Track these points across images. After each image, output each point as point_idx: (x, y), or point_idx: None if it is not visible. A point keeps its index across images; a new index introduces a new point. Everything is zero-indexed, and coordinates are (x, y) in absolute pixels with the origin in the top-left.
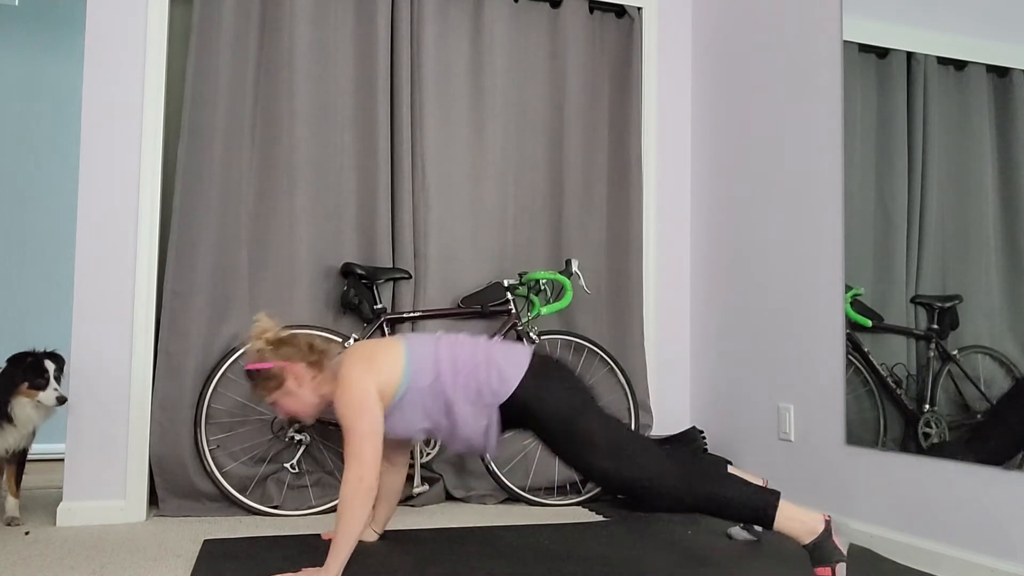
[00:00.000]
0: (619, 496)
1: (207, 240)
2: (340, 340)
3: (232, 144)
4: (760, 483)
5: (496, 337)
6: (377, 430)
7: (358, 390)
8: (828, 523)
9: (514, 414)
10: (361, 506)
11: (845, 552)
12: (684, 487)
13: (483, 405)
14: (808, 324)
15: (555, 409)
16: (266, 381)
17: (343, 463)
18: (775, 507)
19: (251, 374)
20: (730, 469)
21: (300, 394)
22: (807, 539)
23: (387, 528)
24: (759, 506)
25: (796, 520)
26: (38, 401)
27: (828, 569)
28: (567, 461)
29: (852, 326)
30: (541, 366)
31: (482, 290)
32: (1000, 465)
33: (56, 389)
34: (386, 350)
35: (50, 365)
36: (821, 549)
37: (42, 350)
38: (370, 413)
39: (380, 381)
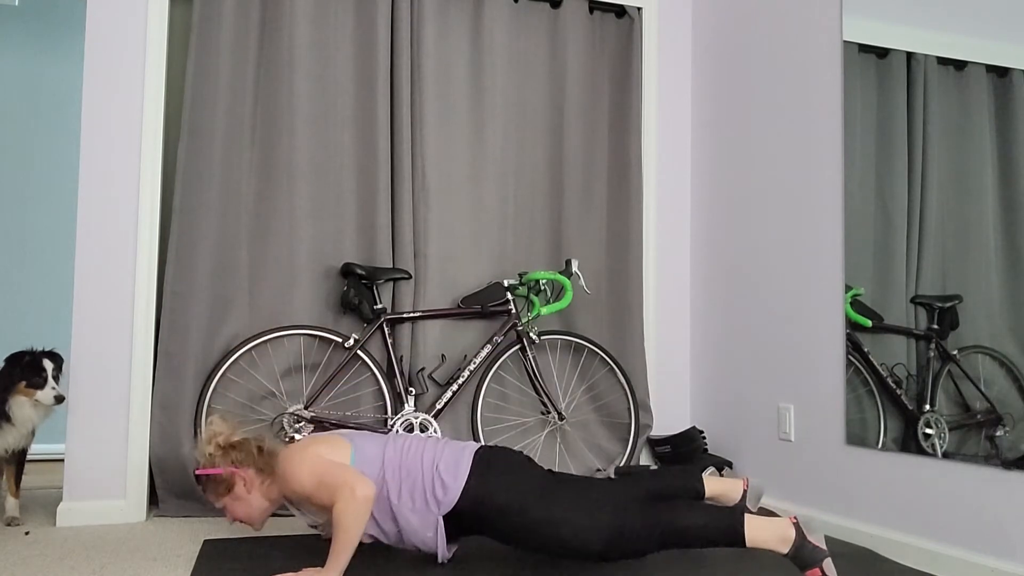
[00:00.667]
0: (600, 560)
1: (207, 240)
2: (341, 340)
3: (232, 144)
4: (741, 485)
5: (495, 338)
6: (346, 469)
7: (302, 457)
8: (797, 525)
9: (465, 518)
10: (355, 515)
11: (824, 546)
12: (652, 529)
13: (429, 514)
14: (808, 324)
15: (505, 500)
16: (216, 486)
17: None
18: (742, 523)
19: (200, 479)
20: (709, 476)
21: (249, 500)
22: (784, 548)
23: None
24: (726, 526)
25: (766, 530)
26: (36, 400)
27: (816, 570)
28: (538, 550)
29: (852, 326)
30: (484, 462)
31: (482, 290)
32: (1000, 466)
33: (54, 388)
34: (332, 446)
35: (48, 364)
36: (802, 553)
37: (40, 349)
38: (324, 459)
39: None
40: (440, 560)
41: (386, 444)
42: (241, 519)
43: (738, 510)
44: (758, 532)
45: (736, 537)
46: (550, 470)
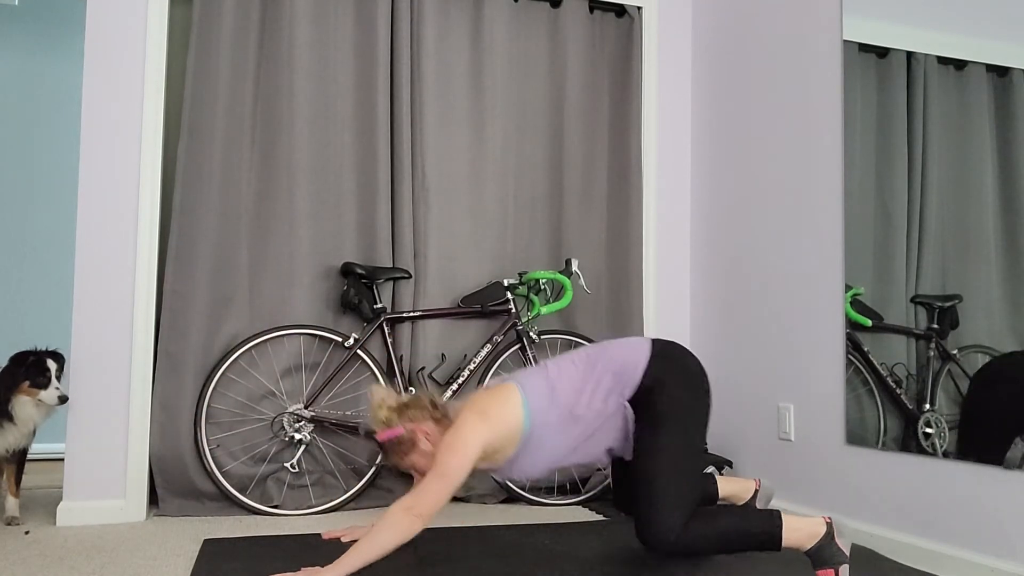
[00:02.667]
0: (653, 547)
1: (207, 240)
2: (341, 340)
3: (232, 144)
4: (753, 486)
5: (495, 338)
6: (457, 480)
7: (463, 437)
8: (830, 525)
9: (637, 401)
10: (396, 538)
11: (848, 553)
12: (701, 536)
13: (617, 406)
14: (808, 324)
15: (670, 400)
16: (399, 446)
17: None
18: (780, 528)
19: (383, 444)
20: (721, 476)
21: (427, 454)
22: (808, 544)
23: None
24: (766, 531)
25: (801, 531)
26: (39, 400)
27: (831, 571)
28: (641, 483)
29: (852, 326)
30: (663, 348)
31: (482, 290)
32: (1000, 465)
33: (58, 388)
34: (501, 400)
35: (52, 364)
36: (823, 551)
37: (44, 349)
38: (461, 461)
39: (496, 434)
40: (627, 456)
41: (547, 370)
42: (424, 468)
43: (777, 515)
44: (792, 533)
45: (774, 541)
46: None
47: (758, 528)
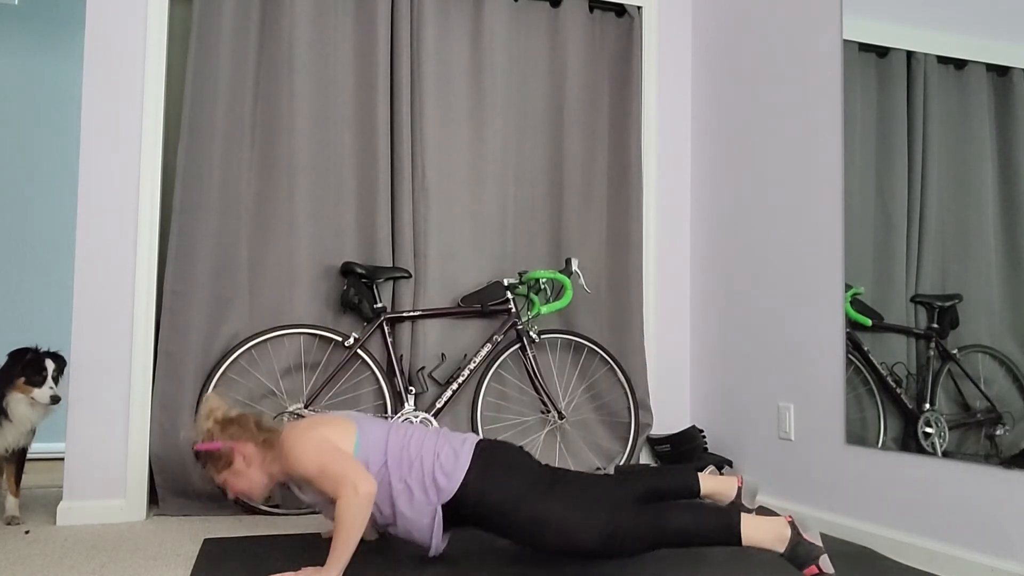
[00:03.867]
0: (595, 559)
1: (207, 240)
2: (341, 339)
3: (232, 144)
4: (735, 483)
5: (495, 337)
6: (349, 459)
7: (308, 441)
8: (793, 524)
9: (462, 511)
10: (357, 513)
11: (820, 543)
12: (647, 532)
13: (427, 502)
14: (808, 323)
15: (502, 495)
16: (215, 461)
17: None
18: (738, 523)
19: (199, 454)
20: (703, 474)
21: (249, 474)
22: (781, 547)
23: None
24: (722, 526)
25: (763, 530)
26: (33, 399)
27: (813, 567)
28: (537, 546)
29: (852, 325)
30: (485, 455)
31: (482, 289)
32: (1000, 464)
33: (52, 388)
34: (335, 426)
35: (50, 364)
36: (798, 551)
37: (45, 349)
38: (332, 452)
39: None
40: (432, 552)
41: (389, 430)
42: (241, 493)
43: (734, 509)
44: (754, 531)
45: (732, 536)
46: (548, 466)
47: (716, 522)
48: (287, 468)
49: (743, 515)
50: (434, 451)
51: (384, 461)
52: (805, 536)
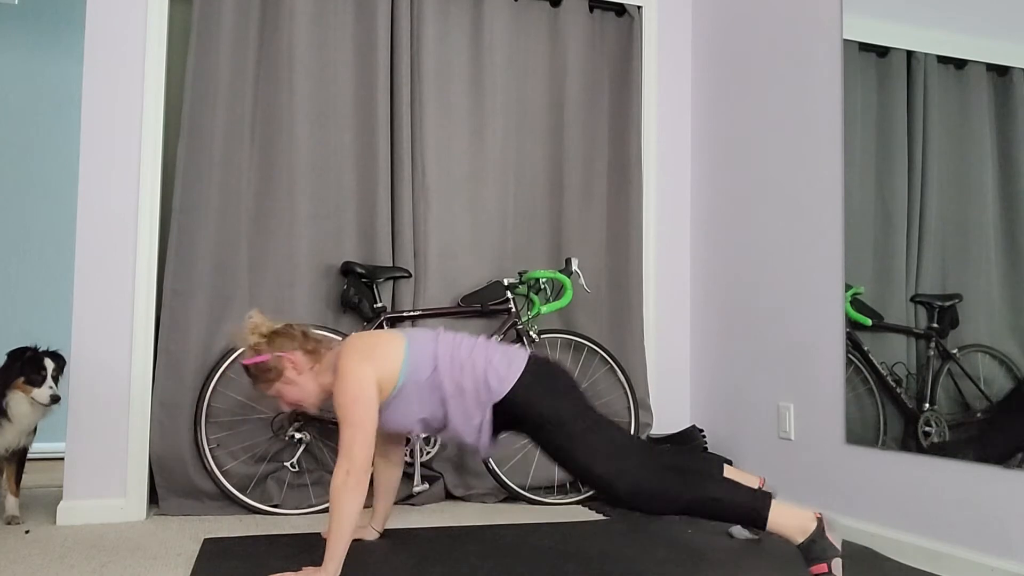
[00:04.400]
0: (614, 502)
1: (207, 239)
2: (340, 340)
3: (232, 144)
4: (757, 483)
5: (495, 338)
6: (370, 421)
7: (355, 379)
8: (820, 520)
9: (508, 416)
10: (350, 501)
11: (839, 547)
12: (678, 490)
13: (477, 402)
14: (808, 323)
15: (549, 412)
16: (265, 373)
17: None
18: (767, 508)
19: (249, 369)
20: (727, 469)
21: (301, 382)
22: (800, 538)
23: (387, 527)
24: (752, 506)
25: (789, 519)
26: (32, 398)
27: (824, 565)
28: (563, 466)
29: (852, 325)
30: (537, 369)
31: (482, 289)
32: (1000, 464)
33: (51, 388)
34: (386, 342)
35: (49, 363)
36: (815, 546)
37: (45, 348)
38: (364, 404)
39: (379, 373)
40: (483, 455)
41: (438, 336)
42: (296, 403)
43: (768, 494)
44: (780, 518)
45: (759, 519)
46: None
47: (746, 499)
48: (334, 385)
49: (775, 502)
50: (485, 356)
51: (435, 366)
52: (828, 535)
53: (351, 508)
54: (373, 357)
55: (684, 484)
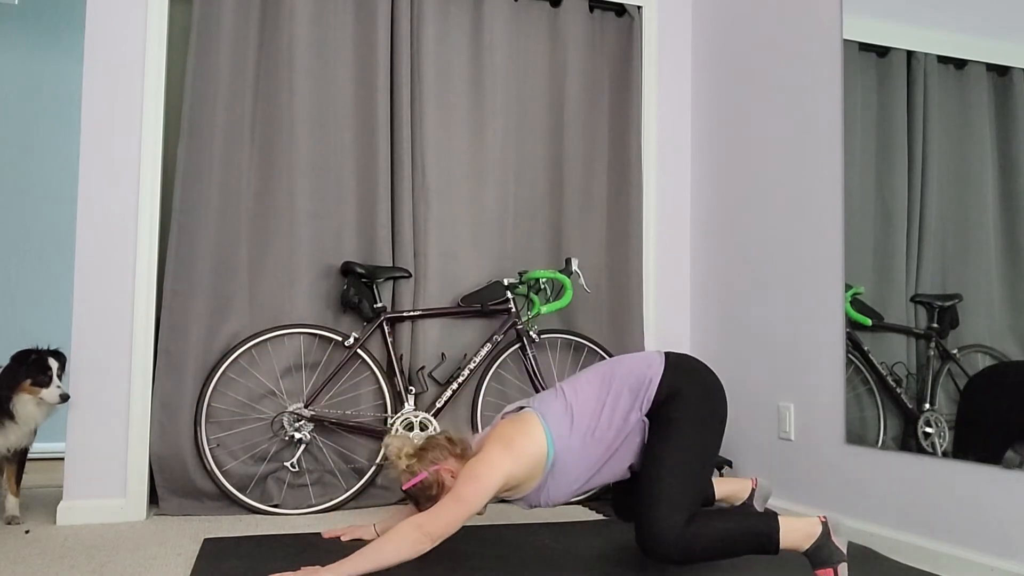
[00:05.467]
0: (648, 541)
1: (207, 239)
2: (341, 339)
3: (232, 144)
4: (749, 485)
5: (495, 337)
6: (473, 507)
7: (486, 465)
8: (825, 524)
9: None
10: (402, 553)
11: (845, 551)
12: (691, 538)
13: (636, 423)
14: (808, 323)
15: (679, 416)
16: (427, 490)
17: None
18: (778, 530)
19: (411, 492)
20: (718, 482)
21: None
22: (806, 544)
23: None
24: (764, 532)
25: (796, 531)
26: (40, 398)
27: (830, 570)
28: (642, 473)
29: (852, 325)
30: (677, 362)
31: (482, 289)
32: (1000, 464)
33: (59, 386)
34: (524, 431)
35: (53, 363)
36: (821, 551)
37: (46, 348)
38: (480, 487)
39: (520, 466)
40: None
41: (561, 391)
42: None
43: (774, 517)
44: (789, 534)
45: (772, 547)
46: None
47: (757, 530)
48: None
49: (781, 519)
50: (622, 370)
51: (577, 426)
52: (833, 539)
53: (399, 555)
54: (513, 450)
55: (703, 529)
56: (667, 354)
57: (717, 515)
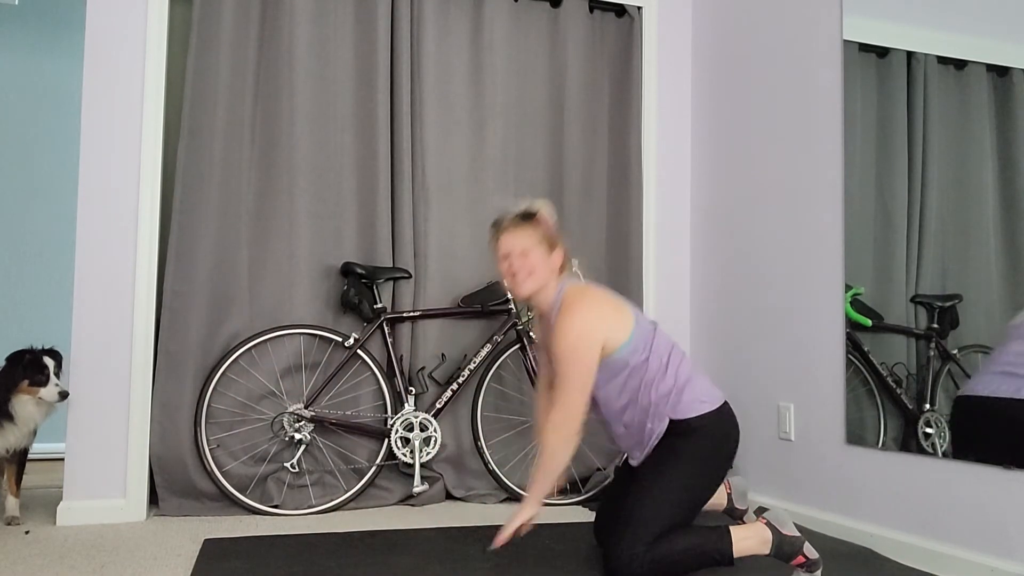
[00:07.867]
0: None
1: (207, 240)
2: (341, 339)
3: (232, 144)
4: (724, 489)
5: (495, 337)
6: (588, 382)
7: (585, 337)
8: (768, 524)
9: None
10: (562, 452)
11: (797, 532)
12: (654, 561)
13: (664, 410)
14: (808, 323)
15: (689, 458)
16: (544, 230)
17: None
18: (730, 544)
19: (528, 215)
20: None
21: (544, 267)
22: (766, 549)
23: (387, 527)
24: (718, 548)
25: (748, 539)
26: (39, 398)
27: (800, 557)
28: (628, 498)
29: (852, 325)
30: (725, 409)
31: (482, 289)
32: (1000, 465)
33: (57, 384)
34: (618, 311)
35: (49, 361)
36: (783, 548)
37: (40, 347)
38: (588, 366)
39: (607, 336)
40: (632, 462)
41: (656, 329)
42: (529, 273)
43: (726, 530)
44: (743, 544)
45: (725, 558)
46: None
47: (711, 546)
48: (550, 317)
49: (731, 529)
50: (691, 368)
51: (646, 358)
52: (783, 531)
53: (563, 458)
54: (606, 319)
55: (664, 551)
56: (725, 401)
57: (675, 536)
